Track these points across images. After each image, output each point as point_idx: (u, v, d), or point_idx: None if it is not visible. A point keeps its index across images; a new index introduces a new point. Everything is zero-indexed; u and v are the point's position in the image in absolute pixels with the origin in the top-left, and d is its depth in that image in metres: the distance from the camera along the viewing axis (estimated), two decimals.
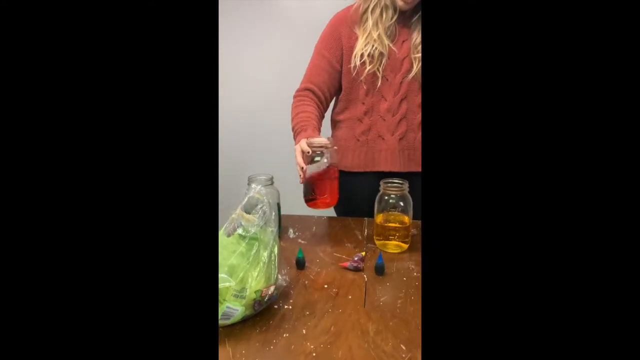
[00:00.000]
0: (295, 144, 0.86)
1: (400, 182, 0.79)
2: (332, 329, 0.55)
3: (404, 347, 0.51)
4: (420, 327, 0.55)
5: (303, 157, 0.80)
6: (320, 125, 0.96)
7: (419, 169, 0.97)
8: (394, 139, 0.95)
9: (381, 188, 0.80)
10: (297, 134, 0.91)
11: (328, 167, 0.80)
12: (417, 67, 0.90)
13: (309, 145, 0.80)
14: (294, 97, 0.99)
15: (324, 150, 0.80)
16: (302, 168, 0.79)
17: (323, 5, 1.52)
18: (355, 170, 0.99)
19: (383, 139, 0.96)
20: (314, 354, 0.50)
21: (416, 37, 0.90)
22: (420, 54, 0.90)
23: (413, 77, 0.91)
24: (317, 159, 0.80)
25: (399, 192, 0.78)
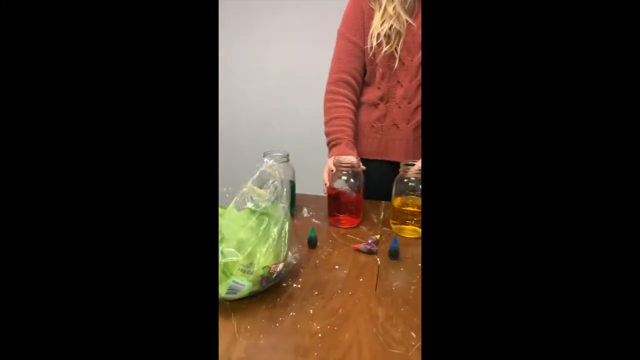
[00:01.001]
0: (329, 157, 0.87)
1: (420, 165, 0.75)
2: (340, 311, 0.53)
3: (414, 335, 0.48)
4: None
5: (330, 175, 0.80)
6: (355, 126, 0.93)
7: None
8: (409, 128, 0.91)
9: (400, 170, 0.76)
10: (330, 147, 0.90)
11: (353, 187, 0.78)
12: None
13: (336, 165, 0.79)
14: (327, 91, 0.93)
15: (351, 170, 0.78)
16: (326, 184, 0.81)
17: None
18: (368, 157, 0.96)
19: (398, 127, 0.92)
20: (320, 335, 0.48)
21: None
22: None
23: None
24: (344, 177, 0.78)
25: (418, 175, 0.74)
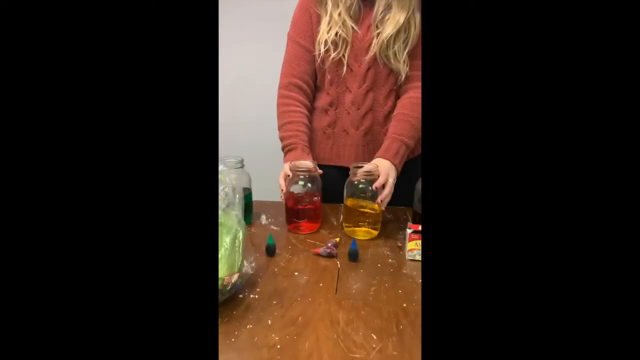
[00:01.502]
0: (284, 162, 0.84)
1: (371, 167, 0.75)
2: (299, 319, 0.51)
3: (374, 337, 0.48)
4: (393, 315, 0.52)
5: (286, 180, 0.79)
6: (309, 130, 0.91)
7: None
8: (358, 134, 0.90)
9: (350, 173, 0.76)
10: (285, 152, 0.88)
11: (311, 191, 0.77)
12: (377, 44, 0.82)
13: (292, 169, 0.77)
14: (279, 95, 0.91)
15: (308, 175, 0.77)
16: (282, 190, 0.79)
17: None
18: (322, 163, 0.95)
19: (347, 133, 0.92)
20: (279, 346, 0.46)
21: (377, 9, 0.81)
22: (380, 29, 0.81)
23: (378, 62, 0.84)
24: (300, 182, 0.77)
25: (368, 177, 0.75)
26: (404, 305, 0.54)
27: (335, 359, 0.44)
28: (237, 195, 0.54)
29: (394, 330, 0.49)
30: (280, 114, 0.91)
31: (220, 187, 0.52)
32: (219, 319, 0.51)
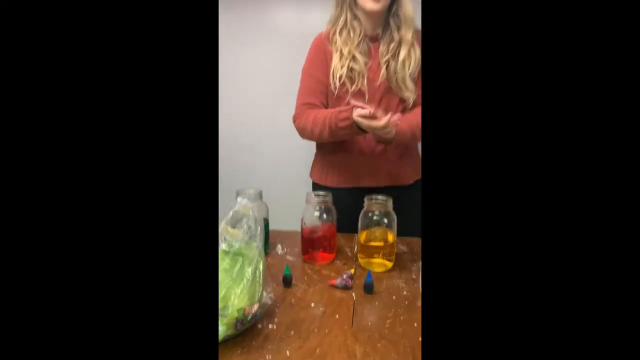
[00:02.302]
0: (352, 122, 0.82)
1: (383, 198, 0.78)
2: (317, 350, 0.52)
3: None
4: (409, 350, 0.53)
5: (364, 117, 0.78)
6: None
7: (398, 183, 1.00)
8: (375, 155, 0.97)
9: (365, 204, 0.79)
10: (337, 117, 0.85)
11: (326, 222, 0.80)
12: (386, 74, 0.91)
13: (308, 200, 0.79)
14: (296, 118, 0.97)
15: (323, 206, 0.80)
16: (370, 112, 0.77)
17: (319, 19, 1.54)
18: (342, 186, 0.99)
19: (364, 155, 0.98)
20: None
21: (382, 46, 0.92)
22: (387, 62, 0.91)
23: (388, 90, 0.93)
24: (316, 213, 0.80)
25: (382, 209, 0.77)
26: (420, 339, 0.55)
27: None
28: (259, 228, 0.57)
29: None
30: (303, 125, 0.94)
31: (244, 220, 0.55)
32: (239, 349, 0.52)
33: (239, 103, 1.74)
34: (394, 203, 0.78)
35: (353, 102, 0.83)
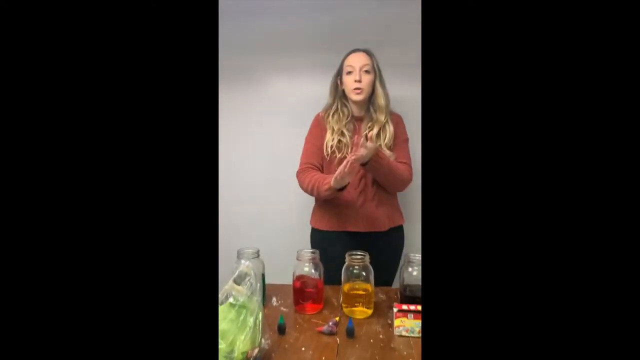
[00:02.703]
0: (331, 186, 1.06)
1: (362, 254, 0.94)
2: None
3: None
4: None
5: (347, 167, 0.99)
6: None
7: (375, 229, 1.22)
8: (356, 206, 1.21)
9: (346, 260, 0.94)
10: (322, 183, 1.10)
11: (314, 277, 0.95)
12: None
13: (299, 257, 0.95)
14: (299, 173, 1.23)
15: (312, 262, 0.96)
16: (349, 161, 0.99)
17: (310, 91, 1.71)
18: (333, 229, 1.23)
19: (349, 205, 1.22)
20: None
21: (364, 122, 1.22)
22: (369, 133, 1.14)
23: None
24: (306, 268, 0.95)
25: (361, 263, 0.92)
26: None
27: None
28: (259, 284, 0.71)
29: None
30: (304, 179, 1.19)
31: (247, 278, 0.69)
32: None
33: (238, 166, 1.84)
34: (372, 245, 1.03)
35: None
